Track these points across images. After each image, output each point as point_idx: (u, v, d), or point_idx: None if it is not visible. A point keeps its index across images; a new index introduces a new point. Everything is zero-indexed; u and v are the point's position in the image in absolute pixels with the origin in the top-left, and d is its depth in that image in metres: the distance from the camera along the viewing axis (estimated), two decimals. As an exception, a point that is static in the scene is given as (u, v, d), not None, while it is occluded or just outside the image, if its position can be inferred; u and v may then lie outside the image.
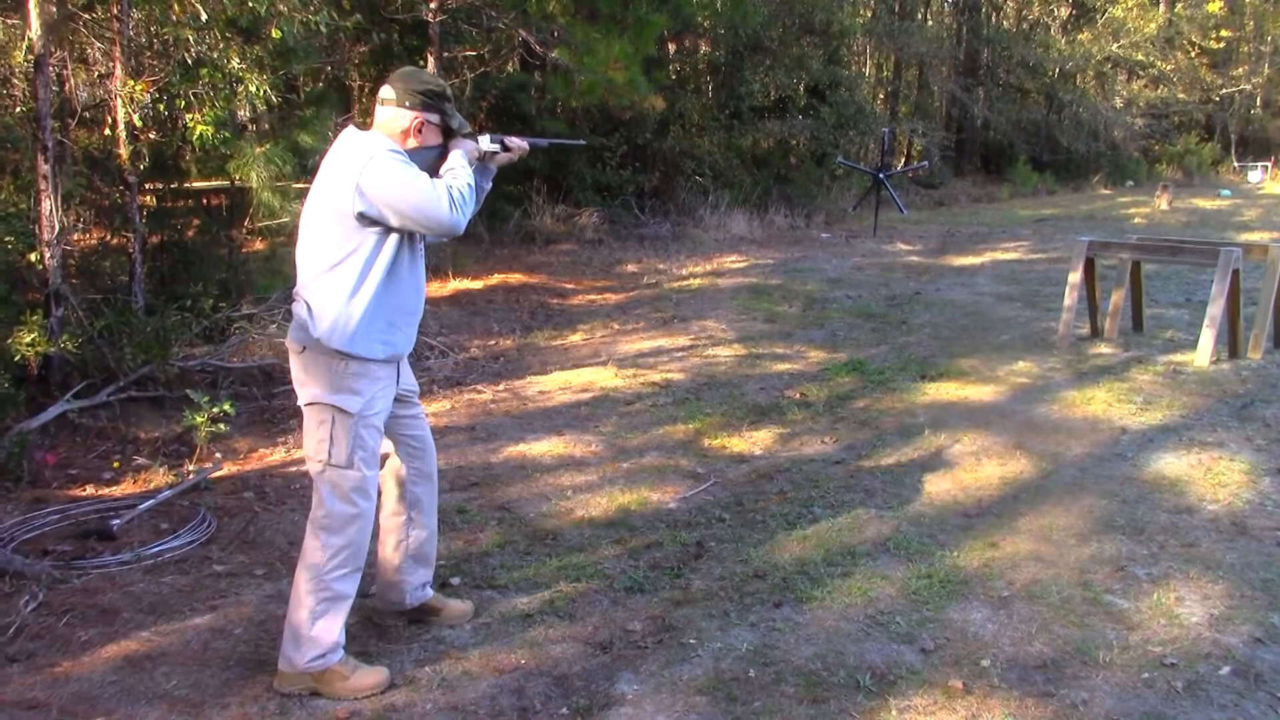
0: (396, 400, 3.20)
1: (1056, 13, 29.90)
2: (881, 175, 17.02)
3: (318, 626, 3.00)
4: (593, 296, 10.12)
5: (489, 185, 3.37)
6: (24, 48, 5.87)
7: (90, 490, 4.69)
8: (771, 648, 3.29)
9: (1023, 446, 5.30)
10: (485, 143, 3.28)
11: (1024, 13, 29.62)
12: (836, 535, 4.21)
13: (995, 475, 4.91)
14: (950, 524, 4.32)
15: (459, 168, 3.06)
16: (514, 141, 3.34)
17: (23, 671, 3.10)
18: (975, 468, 5.02)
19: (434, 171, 3.06)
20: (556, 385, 6.69)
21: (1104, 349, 7.54)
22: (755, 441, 5.52)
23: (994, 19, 28.00)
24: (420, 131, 3.05)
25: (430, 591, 3.48)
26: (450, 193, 2.93)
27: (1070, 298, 7.67)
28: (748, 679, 3.11)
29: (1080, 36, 27.92)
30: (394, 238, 2.96)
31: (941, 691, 3.04)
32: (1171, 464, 5.01)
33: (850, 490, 4.74)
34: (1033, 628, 3.43)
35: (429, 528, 3.42)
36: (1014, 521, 4.34)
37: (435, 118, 3.08)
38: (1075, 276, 7.64)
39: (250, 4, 5.87)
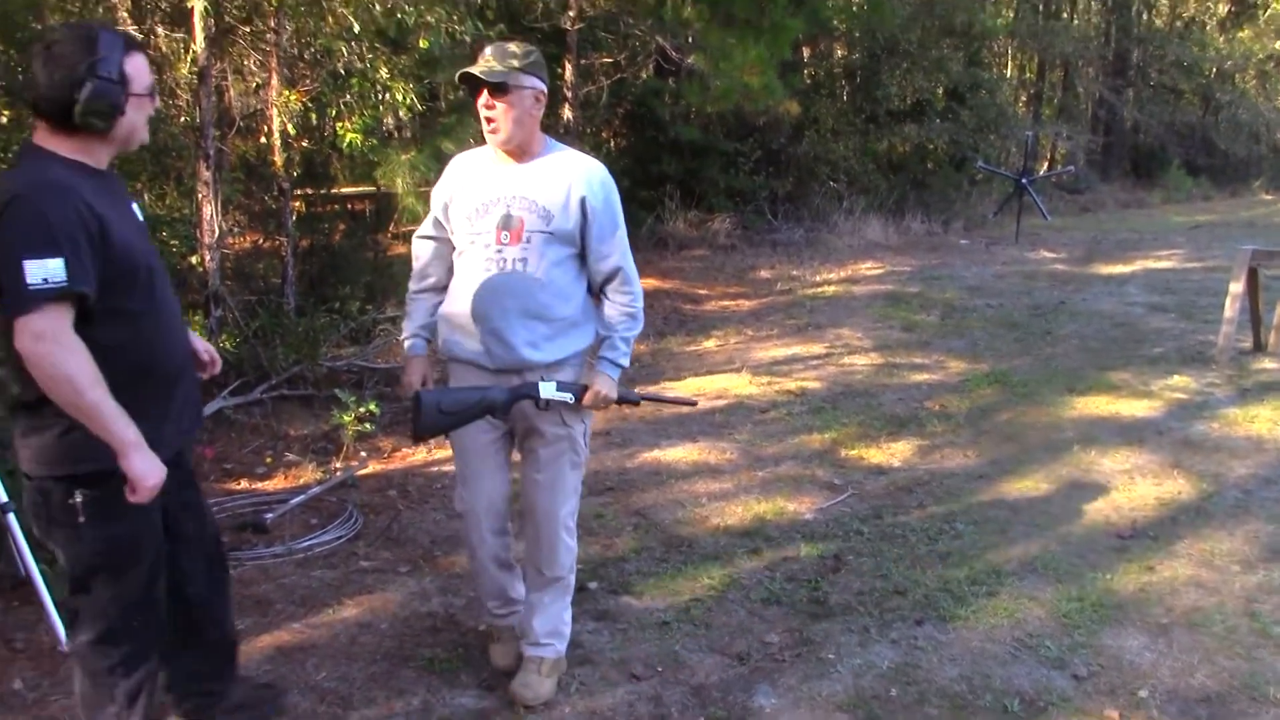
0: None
1: (1214, 9, 28.47)
2: (1024, 180, 16.46)
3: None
4: (726, 302, 10.07)
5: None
6: (189, 60, 6.16)
7: (244, 484, 4.89)
8: (914, 666, 3.21)
9: (1180, 466, 5.05)
10: (550, 390, 2.83)
11: (1178, 10, 28.30)
12: (980, 552, 4.07)
13: (1150, 495, 4.69)
14: (1102, 545, 4.14)
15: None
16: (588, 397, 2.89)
17: (183, 657, 3.23)
18: (1128, 486, 4.80)
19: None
20: (691, 391, 6.67)
21: (1268, 364, 7.12)
22: (894, 453, 5.40)
23: (1145, 17, 26.83)
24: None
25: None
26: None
27: (1231, 309, 7.27)
28: (889, 698, 3.03)
29: (1240, 34, 26.55)
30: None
31: (1096, 721, 2.91)
32: (1346, 488, 4.70)
33: (994, 506, 4.59)
34: (1194, 658, 3.25)
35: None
36: (1172, 545, 4.13)
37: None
38: (1237, 286, 7.24)
39: (399, 15, 6.04)
